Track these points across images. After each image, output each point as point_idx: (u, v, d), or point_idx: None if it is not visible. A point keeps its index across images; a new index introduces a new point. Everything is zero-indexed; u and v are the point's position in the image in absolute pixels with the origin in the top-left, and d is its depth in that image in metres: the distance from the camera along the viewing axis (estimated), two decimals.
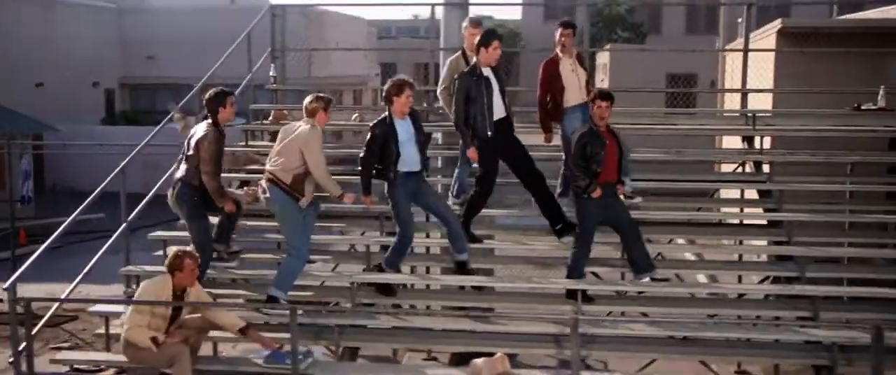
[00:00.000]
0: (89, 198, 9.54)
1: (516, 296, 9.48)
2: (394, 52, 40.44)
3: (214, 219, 9.23)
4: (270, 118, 12.87)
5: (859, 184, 10.91)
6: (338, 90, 29.47)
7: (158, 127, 11.06)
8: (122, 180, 9.62)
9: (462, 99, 9.03)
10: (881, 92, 12.13)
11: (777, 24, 16.54)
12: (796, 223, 10.02)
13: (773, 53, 15.42)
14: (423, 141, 8.83)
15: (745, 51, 12.73)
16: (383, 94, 8.75)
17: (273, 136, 12.19)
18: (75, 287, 9.21)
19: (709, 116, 14.14)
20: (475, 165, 9.44)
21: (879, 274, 9.68)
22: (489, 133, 9.02)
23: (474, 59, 9.25)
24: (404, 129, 8.61)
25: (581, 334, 7.96)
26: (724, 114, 14.66)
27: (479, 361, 8.13)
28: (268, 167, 8.81)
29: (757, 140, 11.61)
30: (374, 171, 8.71)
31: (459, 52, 10.20)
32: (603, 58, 28.56)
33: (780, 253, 9.87)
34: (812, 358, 8.70)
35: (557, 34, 9.74)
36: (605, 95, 8.91)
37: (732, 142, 13.92)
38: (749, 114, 11.89)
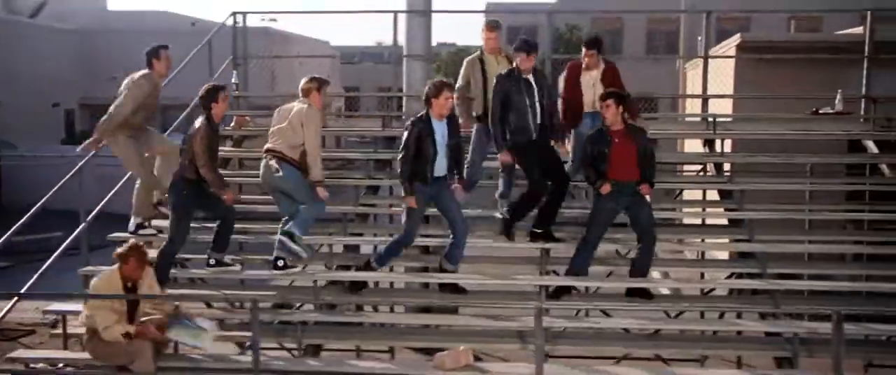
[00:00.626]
0: (29, 213, 9.53)
1: (483, 295, 9.42)
2: (357, 75, 40.51)
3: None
4: (233, 124, 12.75)
5: (819, 185, 11.03)
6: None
7: None
8: (79, 184, 9.53)
9: (499, 102, 8.97)
10: (839, 95, 12.32)
11: (737, 38, 16.88)
12: (758, 223, 10.09)
13: (733, 67, 15.70)
14: (454, 146, 8.74)
15: (706, 57, 12.88)
16: (423, 97, 8.73)
17: (236, 142, 12.25)
18: (18, 301, 9.13)
19: (671, 121, 14.28)
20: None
21: (840, 269, 9.76)
22: (534, 135, 9.03)
23: (491, 61, 9.55)
24: (440, 132, 8.58)
25: (546, 328, 7.95)
26: (686, 119, 14.80)
27: (442, 354, 8.10)
28: (270, 146, 8.97)
29: (718, 143, 11.72)
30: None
31: (477, 53, 10.05)
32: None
33: (742, 249, 9.93)
34: (774, 351, 8.75)
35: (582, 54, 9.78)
36: (608, 95, 8.83)
37: (694, 146, 14.05)
38: (710, 119, 12.00)
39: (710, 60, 12.91)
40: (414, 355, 10.48)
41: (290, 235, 8.87)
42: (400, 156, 8.63)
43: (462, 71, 10.03)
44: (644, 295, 8.88)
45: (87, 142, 9.75)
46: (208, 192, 8.94)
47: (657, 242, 9.03)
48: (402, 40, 13.28)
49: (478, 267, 9.60)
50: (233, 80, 13.20)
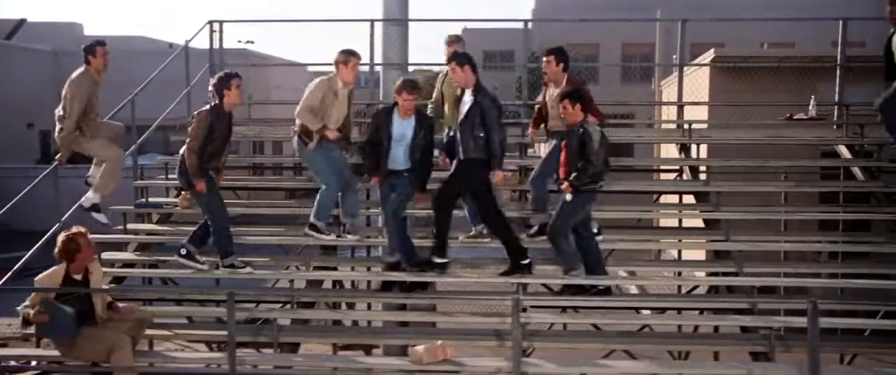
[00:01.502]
0: None
1: (458, 294, 9.41)
2: None
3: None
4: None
5: (794, 187, 11.14)
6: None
7: None
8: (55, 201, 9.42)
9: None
10: (812, 101, 12.45)
11: (711, 53, 17.07)
12: (733, 225, 10.15)
13: (707, 82, 15.88)
14: (420, 146, 8.82)
15: (681, 65, 12.98)
16: None
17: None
18: None
19: (646, 129, 14.39)
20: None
21: (815, 268, 9.84)
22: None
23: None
24: (401, 128, 8.74)
25: (523, 324, 7.95)
26: (662, 126, 14.91)
27: (419, 348, 8.04)
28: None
29: (693, 149, 11.80)
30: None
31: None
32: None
33: (718, 248, 9.97)
34: (750, 346, 8.77)
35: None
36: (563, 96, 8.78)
37: (670, 152, 14.16)
38: (685, 125, 12.08)
39: (685, 77, 13.06)
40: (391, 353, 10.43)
41: (314, 227, 9.07)
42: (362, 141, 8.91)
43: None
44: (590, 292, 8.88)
45: (59, 156, 9.76)
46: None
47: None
48: (378, 53, 13.31)
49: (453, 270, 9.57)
50: (209, 88, 13.15)
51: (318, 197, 9.20)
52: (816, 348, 7.33)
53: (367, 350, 10.47)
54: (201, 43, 13.19)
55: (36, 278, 8.02)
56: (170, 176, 11.79)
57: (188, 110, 12.75)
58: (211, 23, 13.07)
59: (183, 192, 10.61)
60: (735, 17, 25.24)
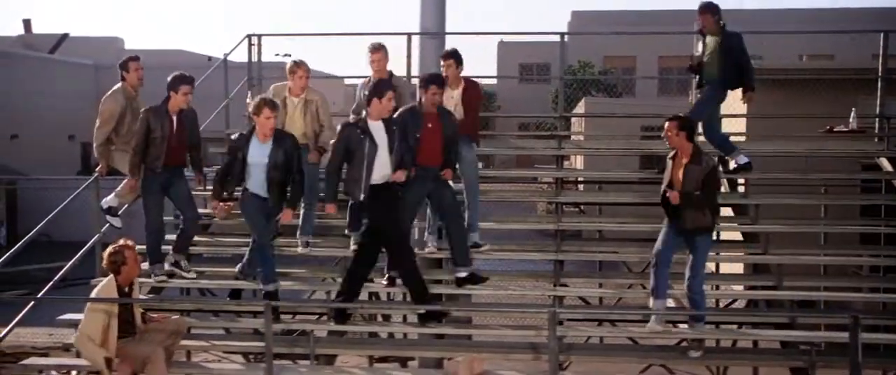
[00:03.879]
0: (22, 241, 9.63)
1: (494, 307, 9.40)
2: None
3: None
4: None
5: (835, 200, 11.00)
6: None
7: None
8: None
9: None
10: (853, 113, 12.30)
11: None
12: (772, 238, 10.05)
13: None
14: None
15: None
16: None
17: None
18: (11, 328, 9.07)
19: None
20: None
21: (856, 282, 9.71)
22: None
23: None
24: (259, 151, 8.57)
25: (560, 337, 7.92)
26: (699, 140, 14.74)
27: (455, 361, 8.05)
28: None
29: (731, 163, 11.68)
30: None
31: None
32: (581, 107, 29.14)
33: (758, 262, 9.88)
34: (790, 361, 8.67)
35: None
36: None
37: None
38: None
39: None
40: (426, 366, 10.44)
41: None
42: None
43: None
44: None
45: (99, 167, 9.91)
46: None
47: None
48: (415, 65, 13.35)
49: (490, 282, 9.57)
50: (248, 101, 13.28)
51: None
52: (858, 364, 7.24)
53: (403, 362, 10.47)
54: (240, 57, 13.33)
55: (93, 292, 8.12)
56: (207, 187, 11.91)
57: (227, 124, 12.91)
58: (249, 36, 13.20)
59: (220, 203, 10.69)
60: (773, 30, 24.97)
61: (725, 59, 10.06)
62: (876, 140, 12.36)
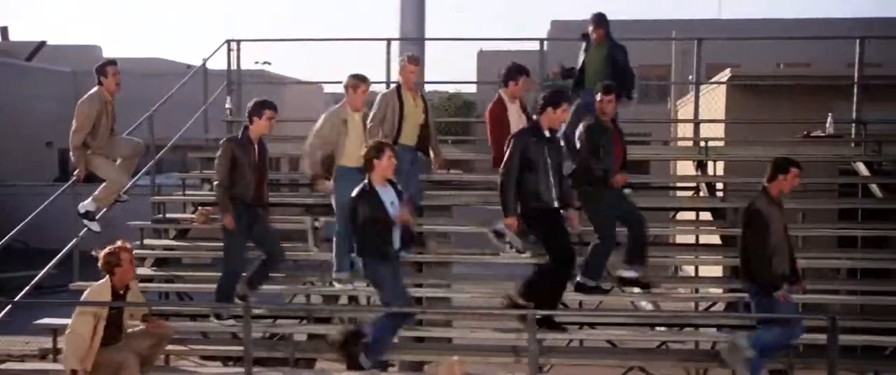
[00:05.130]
0: None
1: (473, 310, 9.41)
2: None
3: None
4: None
5: (812, 205, 11.07)
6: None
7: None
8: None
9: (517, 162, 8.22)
10: (830, 118, 12.41)
11: (727, 72, 17.07)
12: None
13: (723, 101, 15.88)
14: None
15: (697, 83, 12.98)
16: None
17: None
18: None
19: (663, 146, 14.36)
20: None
21: (834, 285, 9.77)
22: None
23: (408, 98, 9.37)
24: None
25: (539, 340, 7.92)
26: (678, 144, 14.88)
27: (435, 365, 8.04)
28: None
29: (710, 166, 11.76)
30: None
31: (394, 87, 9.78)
32: None
33: (736, 265, 9.88)
34: (769, 363, 8.69)
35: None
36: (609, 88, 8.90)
37: (687, 170, 14.14)
38: (702, 143, 12.05)
39: (701, 96, 13.04)
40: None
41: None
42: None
43: (377, 105, 9.59)
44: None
45: (77, 171, 9.83)
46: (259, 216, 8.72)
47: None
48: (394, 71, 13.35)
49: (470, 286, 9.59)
50: (226, 106, 13.28)
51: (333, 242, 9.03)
52: (835, 364, 7.26)
53: (383, 366, 10.45)
54: (219, 64, 13.29)
55: (87, 291, 8.05)
56: (187, 192, 11.90)
57: (206, 129, 12.88)
58: (228, 42, 13.16)
59: (200, 208, 10.70)
60: (750, 36, 25.19)
61: (611, 68, 10.42)
62: (852, 145, 12.50)
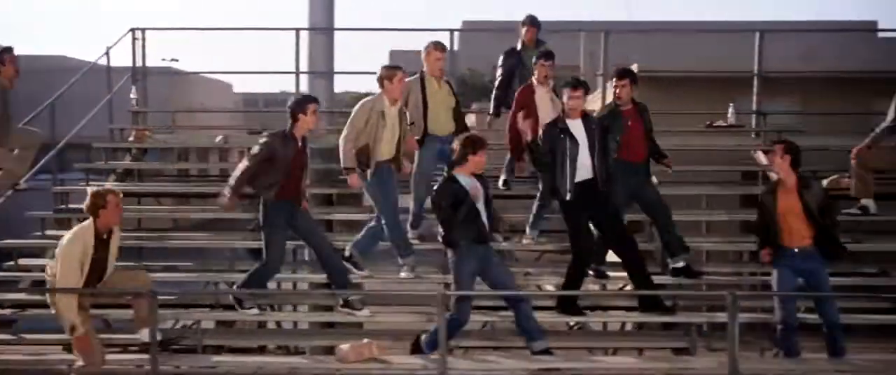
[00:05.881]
0: None
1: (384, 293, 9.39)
2: (262, 120, 40.07)
3: None
4: (132, 137, 12.64)
5: (715, 191, 11.36)
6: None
7: None
8: None
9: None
10: (731, 108, 12.75)
11: (634, 68, 17.38)
12: None
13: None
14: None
15: (605, 76, 13.19)
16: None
17: (135, 157, 12.19)
18: None
19: None
20: None
21: (737, 268, 10.03)
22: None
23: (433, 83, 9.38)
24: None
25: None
26: None
27: (345, 347, 7.99)
28: None
29: None
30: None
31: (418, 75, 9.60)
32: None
33: (644, 248, 10.06)
34: (672, 342, 8.93)
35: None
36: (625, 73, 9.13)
37: None
38: None
39: (610, 92, 13.21)
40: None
41: (348, 259, 8.92)
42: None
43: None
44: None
45: None
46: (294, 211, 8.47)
47: None
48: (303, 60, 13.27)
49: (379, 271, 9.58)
50: (132, 96, 13.05)
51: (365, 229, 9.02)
52: (736, 338, 7.46)
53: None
54: (126, 61, 12.98)
55: (69, 234, 7.81)
56: (90, 181, 11.64)
57: (110, 119, 12.62)
58: (133, 30, 12.90)
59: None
60: (656, 28, 25.72)
61: None
62: (753, 135, 12.89)
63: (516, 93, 9.98)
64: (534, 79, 9.92)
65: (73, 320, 7.49)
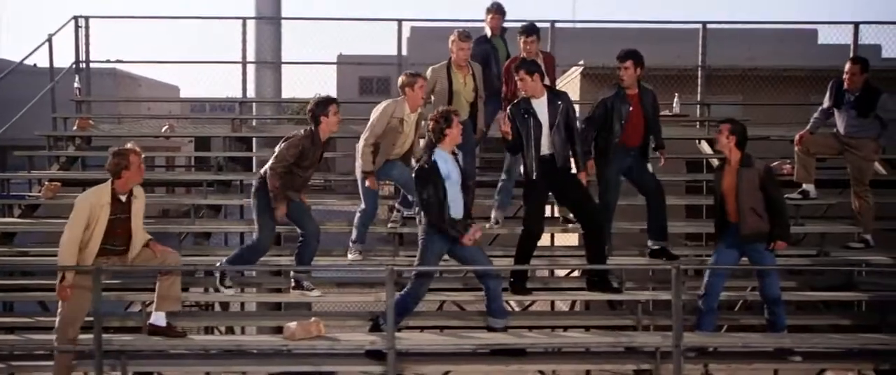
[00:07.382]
0: None
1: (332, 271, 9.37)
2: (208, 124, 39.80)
3: None
4: (75, 126, 12.46)
5: (663, 178, 11.44)
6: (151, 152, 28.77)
7: None
8: None
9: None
10: (676, 99, 12.96)
11: (581, 64, 17.68)
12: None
13: (578, 90, 16.41)
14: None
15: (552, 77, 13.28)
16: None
17: (79, 147, 12.07)
18: None
19: None
20: None
21: (682, 250, 10.16)
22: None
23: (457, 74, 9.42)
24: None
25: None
26: None
27: (292, 324, 7.95)
28: None
29: None
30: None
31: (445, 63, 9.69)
32: None
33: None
34: (618, 319, 9.05)
35: (520, 41, 9.70)
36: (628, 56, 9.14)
37: None
38: None
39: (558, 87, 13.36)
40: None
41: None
42: None
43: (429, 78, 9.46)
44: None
45: None
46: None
47: None
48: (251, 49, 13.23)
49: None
50: (75, 85, 12.89)
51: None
52: (681, 309, 7.56)
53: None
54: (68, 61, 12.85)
55: (86, 192, 7.62)
56: (33, 169, 11.49)
57: (53, 108, 12.45)
58: (76, 18, 12.74)
59: (47, 183, 10.34)
60: (601, 20, 26.14)
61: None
62: (697, 126, 13.12)
63: (503, 69, 9.90)
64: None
65: (68, 263, 7.36)
